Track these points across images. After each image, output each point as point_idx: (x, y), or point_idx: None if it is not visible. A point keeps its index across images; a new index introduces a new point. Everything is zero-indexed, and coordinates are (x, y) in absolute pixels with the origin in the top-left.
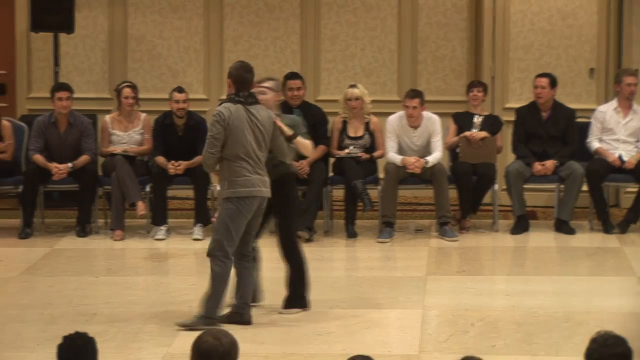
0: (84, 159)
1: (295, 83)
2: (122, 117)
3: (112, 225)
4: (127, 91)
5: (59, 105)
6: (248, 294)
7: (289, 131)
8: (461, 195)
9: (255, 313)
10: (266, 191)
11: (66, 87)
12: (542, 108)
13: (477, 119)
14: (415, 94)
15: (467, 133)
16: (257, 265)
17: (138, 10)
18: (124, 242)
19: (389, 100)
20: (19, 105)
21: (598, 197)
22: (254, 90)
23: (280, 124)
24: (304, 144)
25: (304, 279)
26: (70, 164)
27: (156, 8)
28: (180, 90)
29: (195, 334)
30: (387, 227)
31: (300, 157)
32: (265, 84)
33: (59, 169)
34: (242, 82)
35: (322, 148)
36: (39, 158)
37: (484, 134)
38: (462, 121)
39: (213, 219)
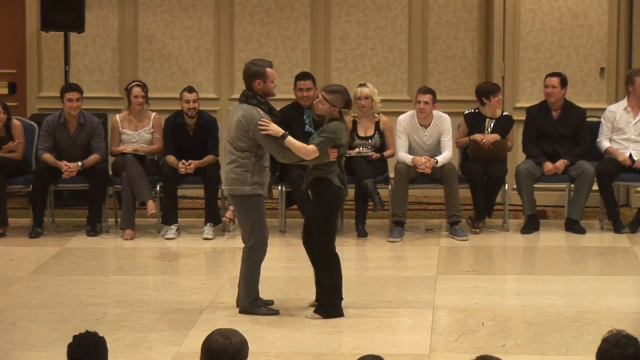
0: (93, 158)
1: (306, 84)
2: (132, 117)
3: (122, 225)
4: (136, 90)
5: (68, 106)
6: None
7: (276, 132)
8: (475, 197)
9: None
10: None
11: (76, 88)
12: (552, 107)
13: (488, 122)
14: (427, 90)
15: (477, 137)
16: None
17: (148, 10)
18: (134, 242)
19: (399, 99)
20: (29, 105)
21: (608, 196)
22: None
23: (264, 126)
24: (295, 145)
25: (328, 286)
26: (80, 163)
27: (166, 7)
28: (190, 90)
29: (206, 334)
30: (397, 227)
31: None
32: (329, 97)
33: (68, 167)
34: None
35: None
36: (48, 157)
37: (494, 137)
38: (474, 124)
39: (224, 218)
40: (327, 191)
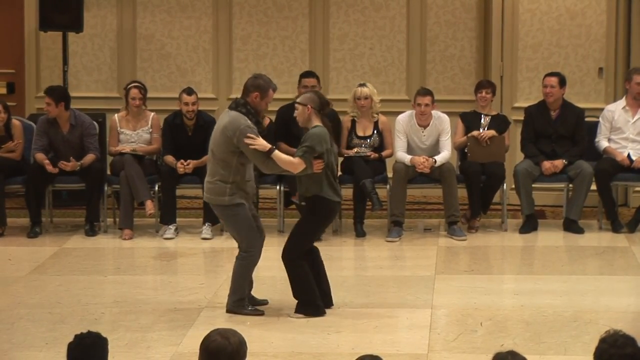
0: (90, 157)
1: (310, 81)
2: (130, 117)
3: (120, 224)
4: (134, 92)
5: (45, 109)
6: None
7: (263, 148)
8: (471, 195)
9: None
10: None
11: (49, 93)
12: (551, 107)
13: (484, 119)
14: (427, 91)
15: (475, 133)
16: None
17: (147, 10)
18: (132, 241)
19: (397, 99)
20: (28, 105)
21: (607, 196)
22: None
23: (251, 141)
24: (282, 159)
25: (305, 287)
26: (78, 163)
27: (165, 7)
28: (189, 92)
29: (205, 333)
30: (395, 227)
31: None
32: (298, 99)
33: (51, 167)
34: None
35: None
36: (39, 156)
37: (492, 132)
38: (470, 121)
39: None
40: (323, 208)
